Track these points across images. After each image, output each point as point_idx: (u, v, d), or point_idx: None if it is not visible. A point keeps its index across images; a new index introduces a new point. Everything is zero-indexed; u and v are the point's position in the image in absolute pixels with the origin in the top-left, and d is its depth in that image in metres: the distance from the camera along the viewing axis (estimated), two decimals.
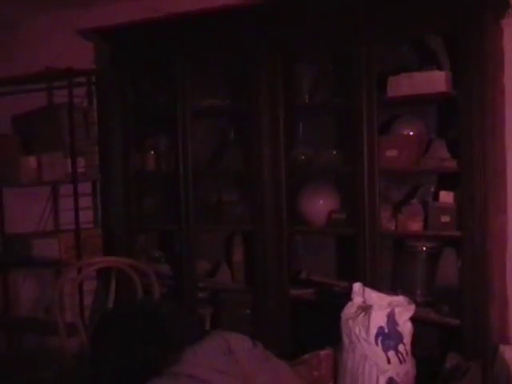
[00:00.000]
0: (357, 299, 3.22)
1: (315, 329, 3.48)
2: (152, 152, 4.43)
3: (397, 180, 3.92)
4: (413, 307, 3.19)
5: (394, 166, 3.65)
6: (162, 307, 1.72)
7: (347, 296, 3.31)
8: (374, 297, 3.20)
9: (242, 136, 4.23)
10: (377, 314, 3.07)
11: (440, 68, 3.55)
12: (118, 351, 1.60)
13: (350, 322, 3.16)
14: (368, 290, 3.24)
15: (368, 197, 3.66)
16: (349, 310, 3.21)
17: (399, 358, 3.10)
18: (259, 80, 3.92)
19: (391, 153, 3.63)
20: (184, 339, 1.59)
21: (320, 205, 3.93)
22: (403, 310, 3.15)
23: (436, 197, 3.64)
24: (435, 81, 3.48)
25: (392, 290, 3.69)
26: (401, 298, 3.23)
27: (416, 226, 3.62)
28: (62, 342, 3.20)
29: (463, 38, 3.36)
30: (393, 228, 3.69)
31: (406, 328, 3.14)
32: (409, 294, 3.43)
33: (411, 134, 3.73)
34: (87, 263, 3.50)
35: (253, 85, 3.96)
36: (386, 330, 3.08)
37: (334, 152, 3.91)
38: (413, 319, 3.24)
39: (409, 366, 3.16)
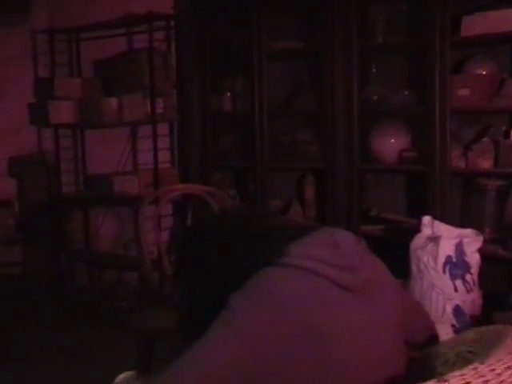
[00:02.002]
0: (426, 231, 3.33)
1: (384, 263, 3.60)
2: (228, 93, 4.59)
3: (468, 119, 3.97)
4: (481, 239, 3.29)
5: (466, 105, 3.71)
6: (256, 209, 1.70)
7: (416, 233, 3.42)
8: (443, 229, 3.31)
9: (315, 77, 4.34)
10: (445, 243, 3.18)
11: None
12: (221, 255, 1.56)
13: (419, 251, 3.27)
14: (437, 223, 3.35)
15: (439, 135, 3.74)
16: (418, 240, 3.32)
17: (466, 287, 3.21)
18: (333, 22, 4.02)
19: (463, 92, 3.69)
20: (283, 236, 1.54)
21: (391, 143, 4.02)
22: (471, 241, 3.25)
23: (507, 135, 3.69)
24: (511, 19, 3.51)
25: (461, 227, 3.76)
26: (469, 231, 3.33)
27: (486, 163, 3.68)
28: (144, 260, 3.39)
29: None
30: (463, 166, 3.77)
31: (473, 259, 3.25)
32: (477, 231, 3.50)
33: (484, 73, 3.77)
34: (166, 190, 3.66)
35: (327, 27, 4.07)
36: (454, 260, 3.19)
37: (406, 92, 3.99)
38: (481, 255, 3.33)
39: (475, 296, 3.26)
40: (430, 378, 1.23)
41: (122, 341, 4.07)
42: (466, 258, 3.21)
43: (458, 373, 1.21)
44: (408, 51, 4.16)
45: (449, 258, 3.19)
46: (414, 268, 3.27)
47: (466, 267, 3.22)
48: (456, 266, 3.19)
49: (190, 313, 1.67)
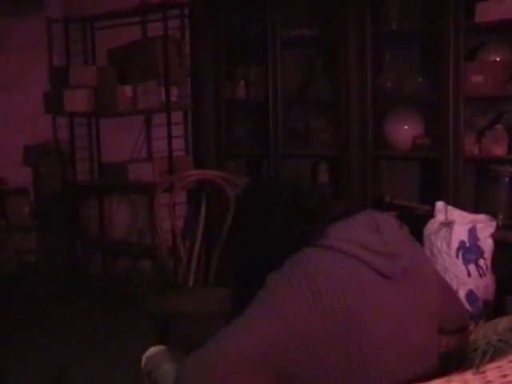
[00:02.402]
0: (439, 216, 3.35)
1: None
2: (242, 81, 4.62)
3: (482, 106, 3.97)
4: (494, 224, 3.30)
5: (480, 91, 3.72)
6: (300, 183, 1.68)
7: (430, 219, 3.43)
8: (456, 214, 3.33)
9: (329, 64, 4.35)
10: (459, 228, 3.20)
11: None
12: (261, 225, 1.58)
13: (432, 236, 3.29)
14: (450, 208, 3.37)
15: (453, 122, 3.75)
16: (431, 226, 3.34)
17: (479, 272, 3.23)
18: (347, 9, 4.03)
19: (477, 78, 3.69)
20: (326, 215, 1.57)
21: (405, 130, 4.03)
22: (485, 227, 3.27)
23: None
24: None
25: (474, 213, 3.76)
26: (482, 216, 3.34)
27: (500, 150, 3.69)
28: (161, 246, 3.43)
29: None
30: (476, 152, 3.78)
31: (486, 244, 3.26)
32: (491, 217, 3.51)
33: (498, 59, 3.77)
34: (181, 176, 3.69)
35: (341, 14, 4.08)
36: (467, 245, 3.21)
37: (420, 79, 4.00)
38: (494, 240, 3.34)
39: (489, 281, 3.28)
40: (461, 365, 1.24)
41: (136, 326, 4.13)
42: (480, 243, 3.23)
43: (494, 364, 1.22)
44: (422, 37, 4.17)
45: (462, 243, 3.21)
46: (427, 253, 3.28)
47: (479, 252, 3.23)
48: (469, 250, 3.21)
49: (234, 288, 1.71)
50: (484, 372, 1.21)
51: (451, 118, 3.75)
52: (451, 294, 1.77)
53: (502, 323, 1.58)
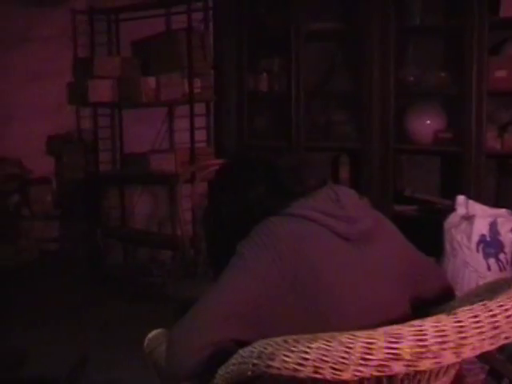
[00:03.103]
0: (460, 210, 3.35)
1: (417, 243, 3.63)
2: (265, 73, 4.64)
3: (505, 101, 3.98)
4: None
5: (503, 86, 3.73)
6: (280, 161, 1.80)
7: (450, 213, 3.44)
8: (477, 208, 3.32)
9: (352, 58, 4.37)
10: (479, 222, 3.20)
11: None
12: (237, 196, 1.71)
13: (453, 230, 3.30)
14: (471, 202, 3.37)
15: (475, 117, 3.77)
16: (452, 219, 3.34)
17: (499, 266, 3.23)
18: (371, 2, 4.05)
19: (500, 73, 3.70)
20: (297, 192, 1.68)
21: (427, 124, 4.04)
22: (506, 221, 3.26)
23: None
24: None
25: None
26: (503, 211, 3.34)
27: None
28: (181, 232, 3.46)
29: None
30: (498, 147, 3.78)
31: (507, 238, 3.26)
32: None
33: None
34: (203, 165, 3.71)
35: (365, 7, 4.09)
36: (488, 239, 3.21)
37: (443, 73, 4.01)
38: None
39: (508, 275, 3.27)
40: None
41: (156, 315, 4.14)
42: (500, 238, 3.23)
43: (467, 308, 1.28)
44: (445, 32, 4.18)
45: (483, 236, 3.21)
46: (447, 246, 3.29)
47: (500, 246, 3.23)
48: (490, 244, 3.21)
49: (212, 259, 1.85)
50: (455, 314, 1.27)
51: (473, 113, 3.76)
52: (428, 266, 1.82)
53: (483, 287, 1.67)
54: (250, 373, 1.33)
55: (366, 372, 1.23)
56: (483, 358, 1.88)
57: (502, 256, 3.23)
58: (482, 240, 3.21)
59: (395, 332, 1.25)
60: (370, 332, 1.26)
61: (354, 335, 1.25)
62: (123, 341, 3.97)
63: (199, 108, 5.08)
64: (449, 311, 1.31)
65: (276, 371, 1.27)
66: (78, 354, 3.74)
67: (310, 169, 3.97)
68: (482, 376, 2.79)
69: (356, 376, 1.24)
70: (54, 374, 3.48)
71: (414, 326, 1.26)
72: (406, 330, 1.25)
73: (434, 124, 4.04)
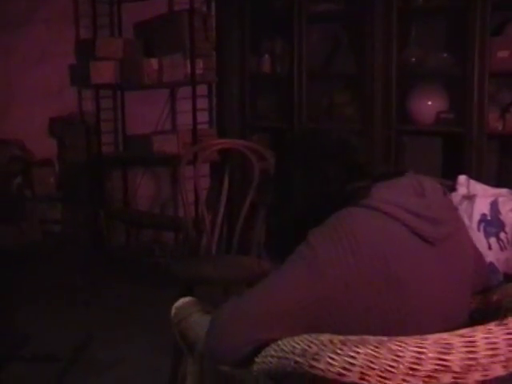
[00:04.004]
0: (461, 189, 3.37)
1: None
2: (267, 55, 4.65)
3: (507, 82, 3.98)
4: None
5: (505, 67, 3.73)
6: (353, 139, 1.63)
7: (451, 193, 3.45)
8: (478, 188, 3.34)
9: (354, 39, 4.38)
10: (480, 201, 3.22)
11: None
12: (308, 170, 1.57)
13: None
14: (473, 182, 3.39)
15: (477, 97, 3.77)
16: (453, 199, 3.34)
17: (500, 245, 3.24)
18: None
19: (502, 54, 3.70)
20: (372, 174, 1.55)
21: (429, 105, 4.05)
22: (507, 200, 3.28)
23: None
24: None
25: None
26: (504, 190, 3.36)
27: None
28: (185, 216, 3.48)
29: None
30: (500, 128, 3.79)
31: (508, 217, 3.27)
32: None
33: None
34: (206, 145, 3.73)
35: None
36: (489, 218, 3.22)
37: (445, 54, 4.01)
38: None
39: (509, 254, 3.29)
40: (484, 322, 1.26)
41: (159, 296, 4.18)
42: (501, 217, 3.25)
43: None
44: (448, 13, 4.17)
45: (483, 216, 3.23)
46: None
47: (501, 226, 3.25)
48: (490, 224, 3.23)
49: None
50: (506, 324, 1.24)
51: (475, 94, 3.77)
52: (481, 260, 1.76)
53: None
54: (290, 369, 1.29)
55: (414, 382, 1.20)
56: None
57: (502, 235, 3.25)
58: (483, 219, 3.22)
59: (445, 342, 1.21)
60: (420, 340, 1.22)
61: (403, 343, 1.21)
62: (127, 320, 4.00)
63: (201, 89, 5.08)
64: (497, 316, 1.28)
65: (320, 373, 1.23)
66: (82, 333, 3.76)
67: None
68: None
69: None
70: (58, 352, 3.51)
71: (464, 336, 1.22)
72: (457, 340, 1.22)
73: (436, 105, 4.05)
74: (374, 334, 1.28)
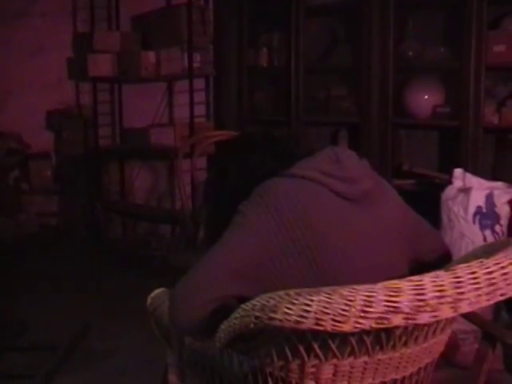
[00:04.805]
0: (457, 182, 3.39)
1: None
2: (265, 48, 4.67)
3: (503, 76, 4.00)
4: (511, 191, 3.33)
5: (501, 61, 3.75)
6: (277, 132, 1.91)
7: (447, 186, 3.47)
8: (474, 181, 3.36)
9: (351, 33, 4.39)
10: (476, 193, 3.24)
11: None
12: (241, 164, 1.80)
13: (450, 202, 3.33)
14: (468, 175, 3.41)
15: (473, 91, 3.80)
16: (449, 191, 3.38)
17: (495, 238, 3.26)
18: None
19: (499, 48, 3.72)
20: (295, 156, 1.73)
21: (425, 99, 4.07)
22: (502, 193, 3.30)
23: None
24: None
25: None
26: (500, 183, 3.38)
27: None
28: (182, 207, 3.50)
29: None
30: (496, 122, 3.81)
31: (503, 210, 3.29)
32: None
33: None
34: (203, 136, 3.74)
35: None
36: (484, 210, 3.24)
37: (442, 48, 4.03)
38: (511, 207, 3.38)
39: None
40: None
41: (156, 286, 4.18)
42: (496, 210, 3.27)
43: (464, 264, 1.32)
44: (445, 6, 4.19)
45: (479, 208, 3.25)
46: (444, 218, 3.33)
47: (496, 218, 3.27)
48: (486, 216, 3.25)
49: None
50: (454, 269, 1.31)
51: (472, 87, 3.79)
52: (425, 228, 1.83)
53: (481, 248, 1.67)
54: (252, 325, 1.36)
55: (366, 324, 1.26)
56: (476, 320, 1.90)
57: (497, 227, 3.27)
58: (479, 212, 3.24)
59: (395, 286, 1.28)
60: (371, 286, 1.28)
61: (354, 289, 1.28)
62: (123, 311, 4.01)
63: (199, 83, 5.09)
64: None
65: (278, 323, 1.30)
66: (79, 323, 3.77)
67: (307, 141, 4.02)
68: (476, 346, 2.83)
69: (356, 328, 1.27)
70: (55, 342, 3.52)
71: (413, 280, 1.29)
72: (406, 284, 1.28)
73: (433, 98, 4.07)
74: (303, 283, 1.45)
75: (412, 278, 1.31)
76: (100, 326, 3.78)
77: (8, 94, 5.56)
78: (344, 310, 1.26)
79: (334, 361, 1.43)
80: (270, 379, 1.49)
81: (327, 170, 1.61)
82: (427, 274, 1.31)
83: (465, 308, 1.30)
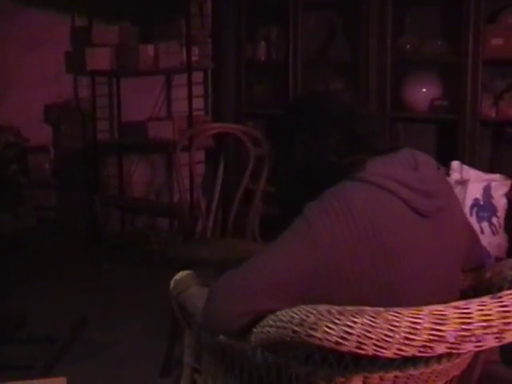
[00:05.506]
0: (454, 175, 3.41)
1: None
2: (263, 42, 4.67)
3: (501, 69, 4.02)
4: (509, 183, 3.36)
5: (499, 54, 3.77)
6: (362, 108, 1.64)
7: None
8: (472, 173, 3.38)
9: (350, 26, 4.40)
10: (473, 185, 3.26)
11: None
12: (312, 133, 1.56)
13: None
14: (466, 167, 3.43)
15: (470, 85, 3.81)
16: None
17: (492, 230, 3.29)
18: None
19: (496, 41, 3.74)
20: (372, 147, 1.54)
21: (423, 92, 4.09)
22: (499, 185, 3.32)
23: None
24: None
25: None
26: (497, 176, 3.40)
27: None
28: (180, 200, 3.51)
29: None
30: (493, 115, 3.83)
31: (500, 202, 3.32)
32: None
33: None
34: (202, 129, 3.75)
35: None
36: (481, 202, 3.27)
37: (439, 42, 4.04)
38: (508, 200, 3.40)
39: (501, 239, 3.34)
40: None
41: (154, 279, 4.20)
42: (493, 202, 3.29)
43: (510, 291, 1.28)
44: (443, 0, 4.20)
45: (476, 200, 3.27)
46: None
47: (493, 210, 3.29)
48: (483, 208, 3.27)
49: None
50: (500, 297, 1.27)
51: (469, 81, 3.80)
52: (475, 237, 1.78)
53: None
54: (289, 339, 1.31)
55: (409, 352, 1.23)
56: None
57: (494, 220, 3.29)
58: (476, 204, 3.27)
59: (440, 313, 1.24)
60: (416, 311, 1.24)
61: (399, 313, 1.24)
62: (122, 304, 4.03)
63: (197, 76, 5.10)
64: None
65: (317, 342, 1.25)
66: (78, 315, 3.78)
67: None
68: None
69: (398, 355, 1.23)
70: (54, 334, 3.53)
71: (459, 307, 1.25)
72: (452, 311, 1.24)
73: (431, 92, 4.08)
74: (366, 305, 1.31)
75: (458, 304, 1.26)
76: (99, 318, 3.79)
77: (6, 87, 5.54)
78: (387, 336, 1.22)
79: (365, 373, 1.38)
80: (294, 381, 1.43)
81: (405, 181, 1.47)
82: (473, 301, 1.27)
83: (510, 338, 1.26)
